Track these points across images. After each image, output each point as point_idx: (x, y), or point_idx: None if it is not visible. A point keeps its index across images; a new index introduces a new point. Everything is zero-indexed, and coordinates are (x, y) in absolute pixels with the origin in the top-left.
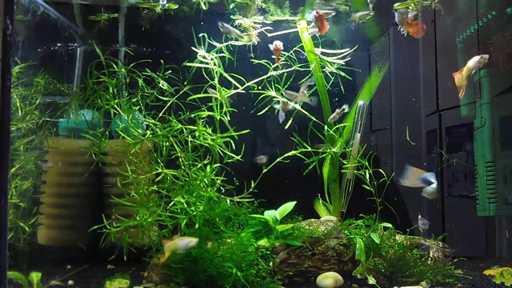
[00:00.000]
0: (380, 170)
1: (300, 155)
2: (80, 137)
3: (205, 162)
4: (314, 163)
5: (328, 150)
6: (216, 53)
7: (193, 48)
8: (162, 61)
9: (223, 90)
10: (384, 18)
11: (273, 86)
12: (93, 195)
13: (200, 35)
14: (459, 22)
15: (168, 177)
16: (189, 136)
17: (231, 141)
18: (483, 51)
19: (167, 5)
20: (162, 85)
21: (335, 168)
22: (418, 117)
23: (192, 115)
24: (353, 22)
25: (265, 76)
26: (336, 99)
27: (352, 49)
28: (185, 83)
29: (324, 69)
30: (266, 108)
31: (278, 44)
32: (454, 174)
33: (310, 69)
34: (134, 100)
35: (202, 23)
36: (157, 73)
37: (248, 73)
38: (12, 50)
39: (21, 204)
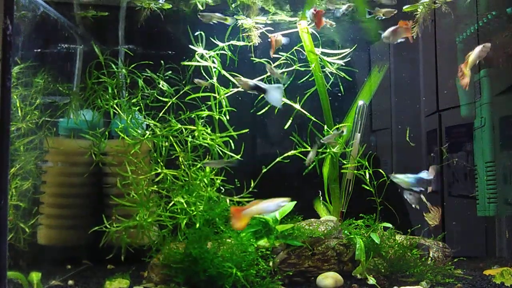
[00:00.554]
0: (380, 170)
1: (300, 155)
2: (80, 137)
3: (204, 162)
4: (314, 163)
5: (328, 150)
6: (217, 53)
7: (191, 46)
8: (162, 61)
9: (222, 89)
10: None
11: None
12: (93, 195)
13: (199, 34)
14: (459, 22)
15: (168, 177)
16: (189, 136)
17: (230, 141)
18: None
19: (161, 2)
20: (162, 85)
21: (335, 168)
22: (418, 117)
23: (192, 115)
24: (377, 16)
25: (265, 76)
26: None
27: (352, 49)
28: (184, 82)
29: (324, 69)
30: (266, 108)
31: (278, 37)
32: (454, 174)
33: (310, 69)
34: (134, 100)
35: (200, 23)
36: (157, 73)
37: (249, 72)
38: (12, 50)
39: (21, 204)
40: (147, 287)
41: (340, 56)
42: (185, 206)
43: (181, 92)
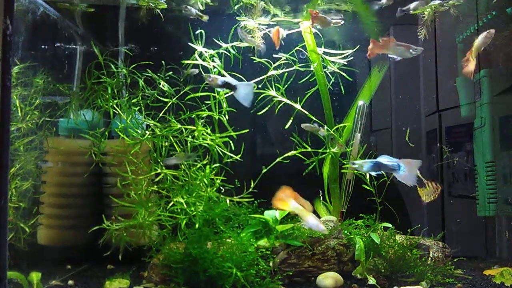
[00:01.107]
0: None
1: (300, 155)
2: (80, 137)
3: (204, 162)
4: (314, 163)
5: (328, 150)
6: (217, 53)
7: (190, 44)
8: (163, 62)
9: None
10: (385, 18)
11: (273, 86)
12: (93, 195)
13: (198, 33)
14: (459, 22)
15: (168, 177)
16: (189, 136)
17: (230, 141)
18: (483, 51)
19: (162, 1)
20: (163, 85)
21: (335, 168)
22: (418, 117)
23: (192, 115)
24: (405, 10)
25: (265, 76)
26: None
27: (354, 49)
28: (182, 80)
29: (325, 69)
30: (266, 108)
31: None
32: (454, 174)
33: (310, 69)
34: (134, 100)
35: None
36: (158, 73)
37: (249, 73)
38: (12, 50)
39: (21, 204)
40: (147, 287)
41: (342, 56)
42: (185, 206)
43: (181, 93)
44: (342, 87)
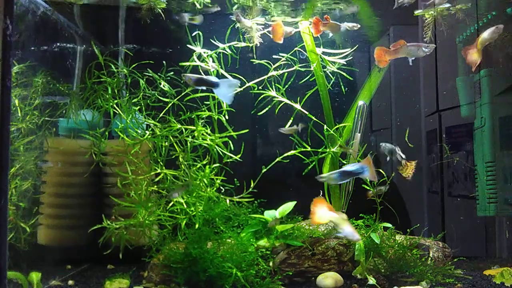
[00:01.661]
0: (380, 170)
1: (299, 155)
2: (80, 137)
3: (204, 162)
4: (314, 163)
5: (328, 150)
6: (216, 53)
7: (189, 46)
8: (164, 62)
9: None
10: (385, 18)
11: (273, 86)
12: (93, 195)
13: (197, 34)
14: (459, 22)
15: (168, 177)
16: (189, 136)
17: (230, 141)
18: (483, 51)
19: (162, 0)
20: (164, 86)
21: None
22: (418, 117)
23: (192, 116)
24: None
25: (265, 76)
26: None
27: (353, 49)
28: (182, 81)
29: (324, 69)
30: (267, 108)
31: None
32: (454, 174)
33: (310, 69)
34: (135, 100)
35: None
36: (158, 73)
37: (249, 73)
38: (12, 50)
39: (21, 204)
40: (147, 287)
41: (341, 56)
42: (185, 206)
43: (182, 94)
44: (342, 87)
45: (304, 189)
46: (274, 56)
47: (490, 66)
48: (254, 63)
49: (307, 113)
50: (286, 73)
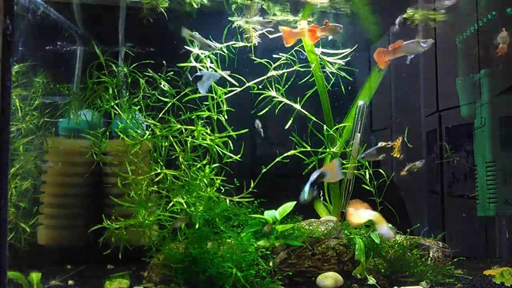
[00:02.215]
0: (380, 170)
1: (300, 155)
2: (80, 137)
3: (204, 162)
4: (314, 163)
5: (328, 150)
6: (213, 53)
7: (186, 47)
8: (164, 62)
9: (219, 89)
10: (385, 18)
11: (273, 86)
12: (93, 195)
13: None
14: (459, 22)
15: (168, 177)
16: (189, 136)
17: (229, 141)
18: (483, 51)
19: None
20: (164, 86)
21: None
22: (418, 117)
23: (192, 116)
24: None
25: (265, 77)
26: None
27: (352, 49)
28: (181, 81)
29: (324, 69)
30: (266, 109)
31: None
32: (454, 174)
33: (310, 69)
34: (135, 100)
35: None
36: (158, 73)
37: (249, 73)
38: (12, 50)
39: (21, 204)
40: (147, 287)
41: (340, 56)
42: (185, 206)
43: (182, 94)
44: (342, 87)
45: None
46: (274, 56)
47: (490, 66)
48: (254, 62)
49: (307, 113)
50: (285, 73)
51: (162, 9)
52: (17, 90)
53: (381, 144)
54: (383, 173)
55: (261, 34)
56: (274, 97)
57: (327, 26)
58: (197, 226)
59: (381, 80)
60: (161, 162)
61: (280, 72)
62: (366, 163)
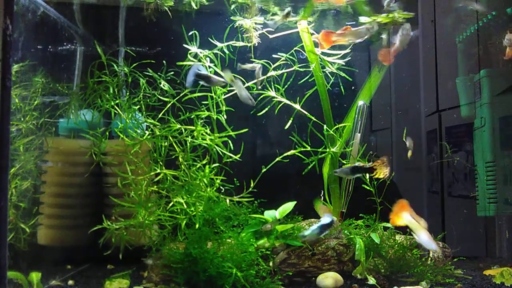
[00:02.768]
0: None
1: (300, 155)
2: (80, 137)
3: (204, 162)
4: (314, 163)
5: (328, 150)
6: (213, 52)
7: (186, 46)
8: (164, 62)
9: (218, 89)
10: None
11: (273, 86)
12: (93, 195)
13: (195, 34)
14: (459, 22)
15: (168, 177)
16: (188, 136)
17: (229, 141)
18: (483, 51)
19: None
20: (163, 85)
21: (335, 168)
22: (418, 117)
23: (192, 116)
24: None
25: (264, 77)
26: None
27: (352, 50)
28: (178, 82)
29: (324, 69)
30: (266, 109)
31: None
32: (454, 174)
33: (310, 69)
34: (135, 100)
35: (199, 23)
36: (158, 73)
37: (249, 73)
38: (12, 50)
39: (21, 204)
40: (147, 287)
41: (340, 56)
42: (185, 206)
43: (181, 94)
44: (342, 87)
45: (304, 189)
46: (273, 56)
47: (490, 66)
48: (253, 62)
49: (306, 113)
50: (285, 73)
51: (167, 8)
52: (17, 90)
53: (358, 164)
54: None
55: (261, 34)
56: (274, 97)
57: (349, 30)
58: (197, 226)
59: (381, 80)
60: (161, 162)
61: (280, 72)
62: (366, 163)
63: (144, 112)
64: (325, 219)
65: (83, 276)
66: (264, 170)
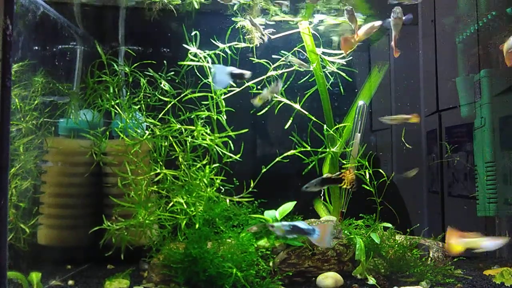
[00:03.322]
0: (380, 170)
1: (300, 155)
2: (80, 137)
3: (204, 162)
4: (314, 163)
5: (328, 150)
6: (214, 53)
7: (185, 46)
8: (165, 61)
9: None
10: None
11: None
12: (93, 195)
13: (196, 34)
14: (459, 22)
15: (168, 177)
16: (189, 137)
17: (229, 141)
18: (483, 51)
19: None
20: (164, 85)
21: (335, 168)
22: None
23: (192, 116)
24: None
25: (264, 77)
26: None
27: (352, 49)
28: (177, 81)
29: (324, 69)
30: (266, 108)
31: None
32: (454, 174)
33: (310, 69)
34: (135, 100)
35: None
36: (158, 73)
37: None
38: (12, 50)
39: (21, 204)
40: (147, 287)
41: (340, 56)
42: (185, 206)
43: (182, 94)
44: (341, 87)
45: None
46: (274, 56)
47: (490, 66)
48: (253, 62)
49: (306, 113)
50: (285, 73)
51: (172, 7)
52: (16, 90)
53: (327, 175)
54: (383, 173)
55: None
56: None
57: (361, 30)
58: (197, 226)
59: (381, 80)
60: (161, 162)
61: (280, 72)
62: (366, 163)
63: (144, 112)
64: (303, 224)
65: (83, 276)
66: (264, 170)
